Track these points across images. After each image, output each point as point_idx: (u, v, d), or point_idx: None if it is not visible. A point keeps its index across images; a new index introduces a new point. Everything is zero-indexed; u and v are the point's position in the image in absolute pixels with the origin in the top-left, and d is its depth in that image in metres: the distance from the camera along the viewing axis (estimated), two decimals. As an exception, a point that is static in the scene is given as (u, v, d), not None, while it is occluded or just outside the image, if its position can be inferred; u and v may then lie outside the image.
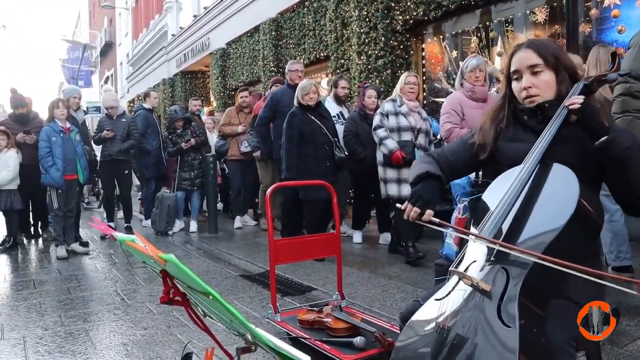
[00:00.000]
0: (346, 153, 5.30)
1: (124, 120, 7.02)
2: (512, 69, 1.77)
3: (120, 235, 1.41)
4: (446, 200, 4.93)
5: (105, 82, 33.96)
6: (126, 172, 7.07)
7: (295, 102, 5.32)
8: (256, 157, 6.61)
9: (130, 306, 3.73)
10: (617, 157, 1.54)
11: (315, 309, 2.94)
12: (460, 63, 7.28)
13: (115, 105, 7.06)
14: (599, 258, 1.73)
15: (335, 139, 5.31)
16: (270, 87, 6.69)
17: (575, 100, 1.60)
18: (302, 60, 10.46)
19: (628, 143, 1.53)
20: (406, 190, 4.33)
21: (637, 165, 1.54)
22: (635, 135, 1.64)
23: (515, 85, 1.77)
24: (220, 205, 8.87)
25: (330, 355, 2.42)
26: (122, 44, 29.80)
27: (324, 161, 5.19)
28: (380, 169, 4.96)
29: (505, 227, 1.59)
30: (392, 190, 4.83)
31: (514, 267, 1.50)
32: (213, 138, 8.20)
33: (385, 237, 5.50)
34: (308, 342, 2.58)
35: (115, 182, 7.16)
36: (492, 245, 1.56)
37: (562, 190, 1.54)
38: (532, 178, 1.62)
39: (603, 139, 1.54)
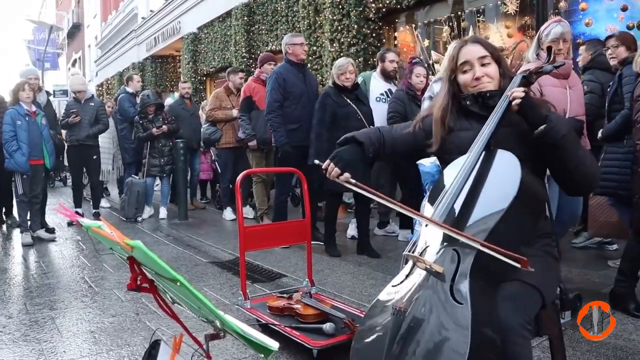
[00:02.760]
0: None
1: (92, 104, 6.85)
2: (460, 62, 1.86)
3: (86, 221, 1.39)
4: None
5: (73, 65, 33.10)
6: (94, 157, 6.93)
7: (329, 82, 4.79)
8: (251, 147, 5.95)
9: (98, 293, 3.69)
10: (554, 145, 1.66)
11: (285, 295, 2.96)
12: (433, 53, 7.37)
13: (83, 89, 6.87)
14: (552, 238, 1.79)
15: (371, 127, 4.44)
16: (260, 67, 5.99)
17: (516, 92, 1.71)
18: (275, 47, 10.40)
19: (563, 131, 1.66)
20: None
21: (573, 151, 1.67)
22: (568, 122, 1.76)
23: (463, 76, 1.86)
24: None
25: (300, 341, 2.45)
26: (91, 26, 29.04)
27: None
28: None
29: (455, 211, 1.66)
30: None
31: (464, 248, 1.57)
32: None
33: (405, 235, 5.00)
34: (277, 329, 2.60)
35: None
36: (426, 222, 1.70)
37: (506, 173, 1.63)
38: (478, 164, 1.70)
39: (541, 127, 1.65)
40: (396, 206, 1.77)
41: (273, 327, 2.65)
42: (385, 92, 5.15)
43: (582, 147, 1.75)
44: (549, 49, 1.98)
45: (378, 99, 5.16)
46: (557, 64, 1.95)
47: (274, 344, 1.25)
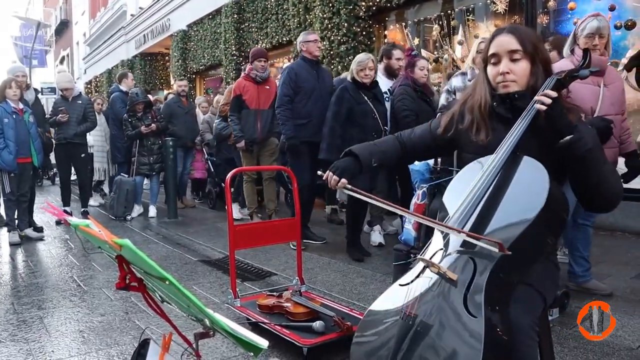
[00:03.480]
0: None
1: (80, 102, 6.79)
2: (490, 52, 1.74)
3: (74, 220, 1.38)
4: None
5: (61, 62, 32.80)
6: (82, 155, 6.87)
7: (348, 77, 4.63)
8: (240, 148, 5.76)
9: (87, 292, 3.67)
10: (579, 157, 1.57)
11: (275, 294, 2.96)
12: (423, 51, 7.39)
13: (70, 86, 6.80)
14: (556, 248, 1.78)
15: (386, 128, 4.52)
16: (251, 63, 5.73)
17: (546, 96, 1.60)
18: (265, 45, 10.38)
19: (590, 144, 1.56)
20: None
21: (597, 166, 1.58)
22: (597, 136, 1.67)
23: (491, 69, 1.75)
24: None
25: (290, 339, 2.45)
26: (79, 22, 28.80)
27: None
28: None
29: (475, 216, 1.59)
30: None
31: (481, 258, 1.51)
32: (199, 120, 7.90)
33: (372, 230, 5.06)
34: (267, 327, 2.60)
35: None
36: (433, 225, 1.66)
37: (533, 183, 1.55)
38: (502, 169, 1.62)
39: (567, 138, 1.56)
40: (393, 208, 1.81)
41: (263, 325, 2.64)
42: (389, 90, 4.93)
43: (609, 163, 1.65)
44: (586, 51, 1.84)
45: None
46: (593, 69, 1.84)
47: (263, 342, 1.25)
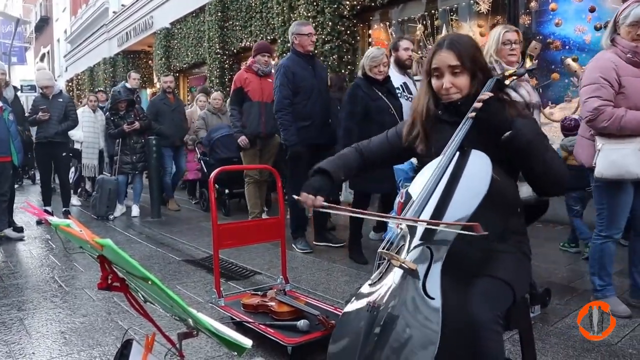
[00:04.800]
0: None
1: (61, 100, 6.67)
2: (432, 66, 1.85)
3: (54, 219, 1.37)
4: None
5: (42, 59, 32.35)
6: (63, 154, 6.78)
7: (359, 73, 4.39)
8: (241, 143, 5.38)
9: (69, 293, 3.62)
10: (521, 150, 1.67)
11: (259, 293, 2.95)
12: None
13: (50, 84, 6.67)
14: (524, 236, 1.82)
15: None
16: (254, 56, 5.43)
17: (480, 98, 1.72)
18: (249, 43, 10.34)
19: (529, 137, 1.67)
20: (523, 191, 3.61)
21: (539, 156, 1.68)
22: (536, 127, 1.77)
23: (435, 81, 1.85)
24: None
25: (274, 338, 2.45)
26: (60, 19, 28.42)
27: None
28: None
29: (428, 211, 1.68)
30: None
31: (436, 245, 1.61)
32: (194, 116, 7.65)
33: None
34: (252, 326, 2.60)
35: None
36: (398, 221, 1.77)
37: (477, 172, 1.65)
38: (452, 165, 1.72)
39: (507, 134, 1.67)
40: (368, 215, 1.92)
41: (247, 324, 2.64)
42: (402, 85, 4.57)
43: (551, 149, 1.76)
44: (523, 53, 2.01)
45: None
46: (529, 67, 1.98)
47: (247, 342, 1.25)
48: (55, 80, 7.23)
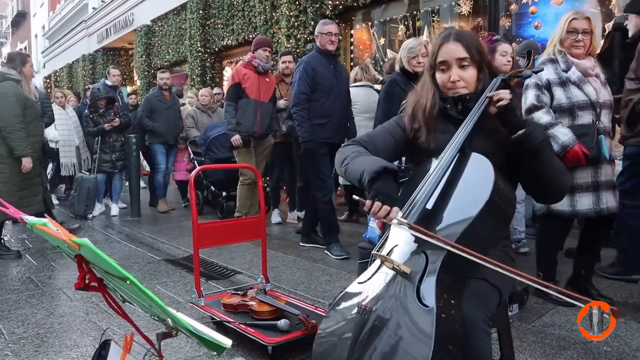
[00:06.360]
0: None
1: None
2: (439, 60, 1.79)
3: (30, 218, 1.34)
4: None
5: (18, 55, 31.69)
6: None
7: (396, 68, 4.14)
8: (235, 143, 5.16)
9: (46, 293, 3.56)
10: (533, 149, 1.64)
11: (239, 292, 2.94)
12: (388, 51, 7.46)
13: (25, 81, 6.55)
14: (509, 240, 1.83)
15: None
16: (254, 51, 5.25)
17: (503, 95, 1.66)
18: (231, 42, 10.29)
19: (541, 136, 1.65)
20: (584, 202, 2.95)
21: (549, 157, 1.67)
22: (544, 128, 1.78)
23: (440, 75, 1.80)
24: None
25: (254, 338, 2.44)
26: (37, 14, 27.93)
27: None
28: None
29: (426, 213, 1.64)
30: (561, 203, 2.71)
31: (432, 251, 1.56)
32: (182, 114, 7.40)
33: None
34: (232, 326, 2.58)
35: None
36: (438, 243, 1.54)
37: (479, 178, 1.61)
38: (451, 167, 1.67)
39: (520, 132, 1.65)
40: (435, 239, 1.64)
41: (227, 324, 2.63)
42: None
43: (557, 156, 1.74)
44: (529, 53, 1.97)
45: None
46: (536, 69, 1.95)
47: (226, 341, 1.25)
48: (33, 76, 7.09)
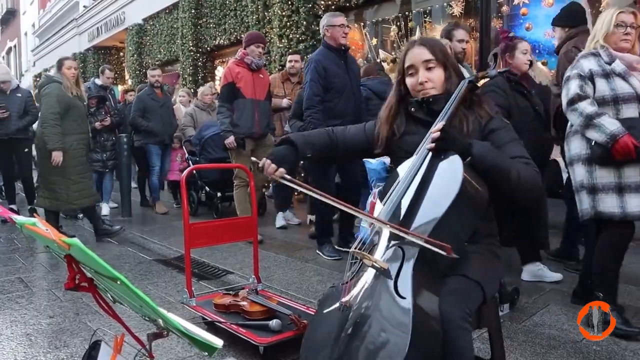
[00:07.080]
0: None
1: (20, 95, 6.42)
2: (406, 65, 1.87)
3: (19, 218, 1.33)
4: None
5: (8, 53, 31.53)
6: (26, 150, 6.58)
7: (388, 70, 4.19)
8: (229, 145, 4.91)
9: (35, 294, 3.53)
10: (484, 172, 1.67)
11: (231, 292, 2.93)
12: (381, 51, 7.48)
13: (8, 79, 6.37)
14: (495, 238, 1.84)
15: None
16: (246, 47, 4.99)
17: (437, 128, 1.69)
18: (223, 41, 10.27)
19: (488, 162, 1.66)
20: (634, 203, 2.69)
21: (504, 174, 1.66)
22: (508, 135, 1.79)
23: (410, 80, 1.88)
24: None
25: (246, 338, 2.43)
26: (27, 12, 27.72)
27: None
28: (581, 170, 2.84)
29: (400, 210, 1.70)
30: (610, 204, 2.70)
31: (408, 246, 1.61)
32: (180, 113, 7.34)
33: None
34: (223, 326, 2.58)
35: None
36: (373, 221, 1.72)
37: (449, 173, 1.66)
38: (424, 165, 1.73)
39: (467, 160, 1.66)
40: (333, 202, 1.74)
41: (219, 324, 2.62)
42: None
43: (517, 161, 1.71)
44: (495, 55, 2.05)
45: None
46: (501, 70, 2.02)
47: (217, 342, 1.24)
48: (22, 75, 7.02)
